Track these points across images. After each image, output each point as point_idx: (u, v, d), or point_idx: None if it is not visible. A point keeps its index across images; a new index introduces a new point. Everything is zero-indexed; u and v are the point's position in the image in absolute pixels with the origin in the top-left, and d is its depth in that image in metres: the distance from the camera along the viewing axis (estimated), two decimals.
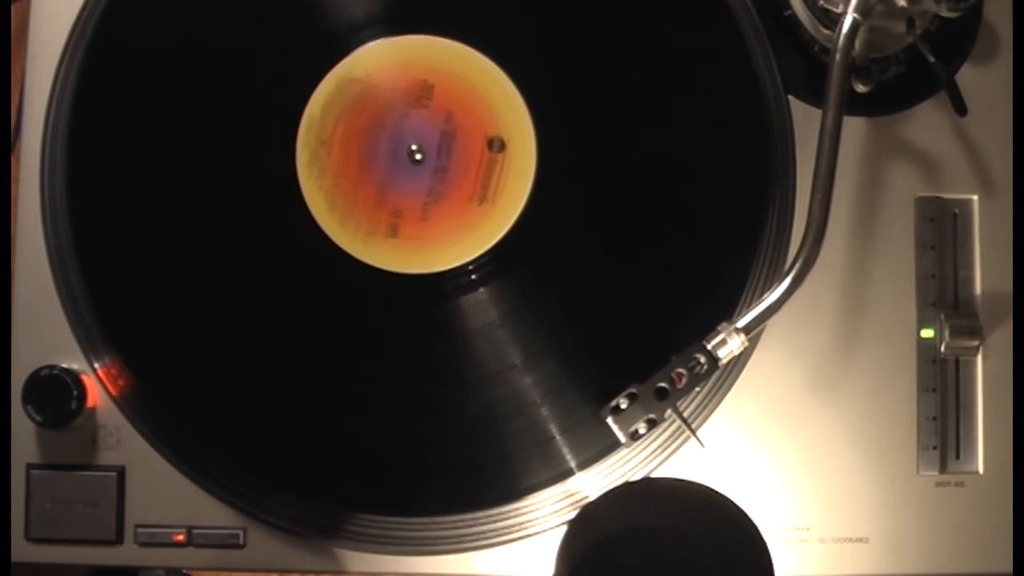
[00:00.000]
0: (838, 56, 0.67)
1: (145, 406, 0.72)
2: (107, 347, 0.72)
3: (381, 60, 0.72)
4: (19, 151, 0.74)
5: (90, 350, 0.72)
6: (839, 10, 0.69)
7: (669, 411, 0.68)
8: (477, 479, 0.71)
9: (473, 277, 0.71)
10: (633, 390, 0.68)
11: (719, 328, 0.68)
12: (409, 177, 0.71)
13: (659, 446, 0.72)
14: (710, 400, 0.72)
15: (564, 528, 0.68)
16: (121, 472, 0.72)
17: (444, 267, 0.71)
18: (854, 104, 0.71)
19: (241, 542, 0.72)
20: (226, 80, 0.72)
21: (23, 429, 0.72)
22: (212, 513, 0.72)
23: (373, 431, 0.71)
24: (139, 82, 0.72)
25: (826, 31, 0.72)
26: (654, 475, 0.72)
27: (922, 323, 0.73)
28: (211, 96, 0.72)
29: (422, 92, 0.72)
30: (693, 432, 0.70)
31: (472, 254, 0.71)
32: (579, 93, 0.72)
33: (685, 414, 0.70)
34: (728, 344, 0.67)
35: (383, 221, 0.71)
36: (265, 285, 0.71)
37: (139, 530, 0.72)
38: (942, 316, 0.73)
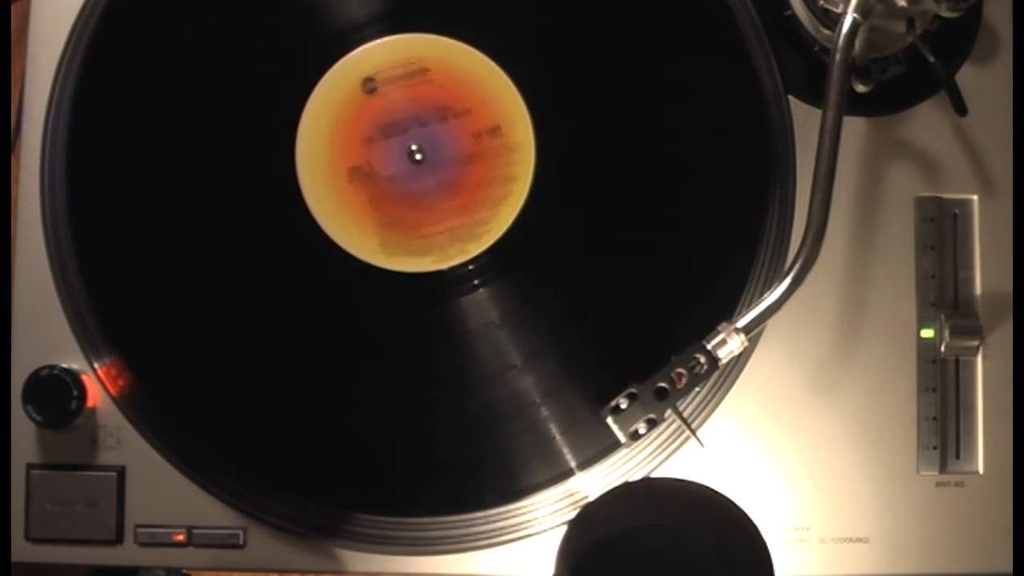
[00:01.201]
0: (838, 56, 0.67)
1: (145, 406, 0.72)
2: (107, 347, 0.72)
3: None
4: (19, 151, 0.74)
5: (90, 350, 0.72)
6: (839, 10, 0.69)
7: (669, 411, 0.68)
8: (477, 479, 0.71)
9: (473, 277, 0.71)
10: (633, 390, 0.68)
11: (719, 328, 0.68)
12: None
13: (659, 446, 0.72)
14: (710, 400, 0.72)
15: (564, 528, 0.68)
16: (121, 472, 0.72)
17: (444, 267, 0.71)
18: (854, 104, 0.71)
19: (241, 542, 0.72)
20: (226, 80, 0.72)
21: (23, 429, 0.72)
22: (212, 513, 0.72)
23: (373, 431, 0.71)
24: (139, 82, 0.72)
25: (826, 31, 0.72)
26: (654, 475, 0.72)
27: (922, 323, 0.73)
28: (211, 96, 0.72)
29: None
30: (693, 432, 0.70)
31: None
32: (579, 93, 0.72)
33: (685, 414, 0.70)
34: (728, 344, 0.67)
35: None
36: (265, 285, 0.71)
37: (139, 530, 0.72)
38: (942, 316, 0.73)
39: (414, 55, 0.72)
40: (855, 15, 0.67)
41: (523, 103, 0.72)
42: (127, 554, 0.72)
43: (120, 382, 0.72)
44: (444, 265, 0.71)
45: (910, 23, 0.71)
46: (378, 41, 0.72)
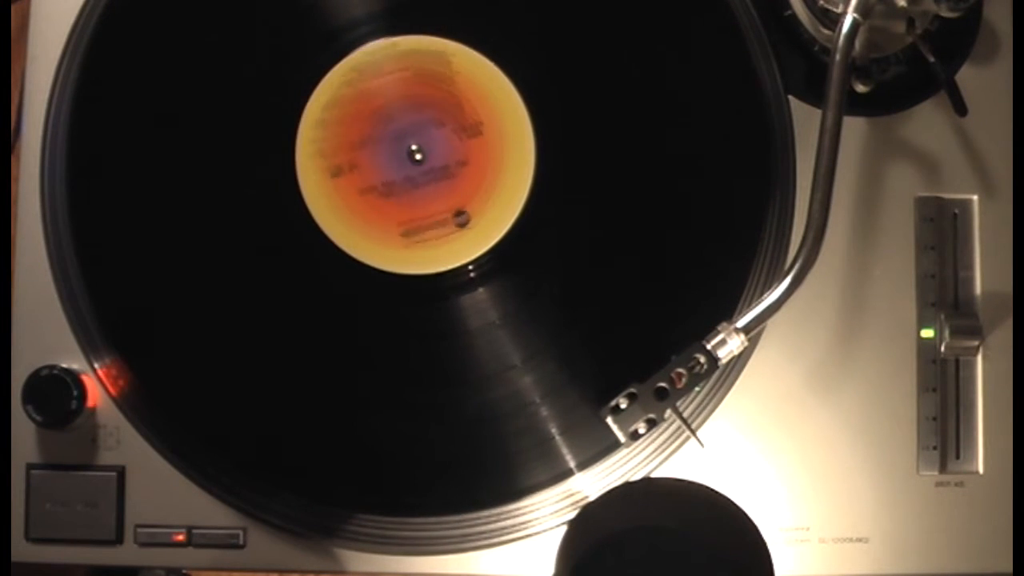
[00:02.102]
0: (838, 56, 0.67)
1: (145, 406, 0.72)
2: (107, 347, 0.72)
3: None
4: (19, 151, 0.74)
5: (90, 350, 0.72)
6: (839, 10, 0.69)
7: (669, 411, 0.68)
8: (477, 479, 0.71)
9: (473, 277, 0.71)
10: (633, 390, 0.68)
11: (719, 328, 0.68)
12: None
13: (659, 446, 0.72)
14: (710, 400, 0.72)
15: (564, 528, 0.67)
16: (121, 472, 0.72)
17: (444, 267, 0.71)
18: (854, 104, 0.72)
19: (241, 542, 0.72)
20: (226, 80, 0.72)
21: (23, 429, 0.72)
22: (212, 513, 0.72)
23: (373, 431, 0.71)
24: (139, 82, 0.72)
25: (826, 31, 0.72)
26: (654, 475, 0.72)
27: (922, 323, 0.73)
28: (211, 96, 0.72)
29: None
30: (693, 432, 0.70)
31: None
32: (579, 93, 0.72)
33: (685, 414, 0.70)
34: (728, 344, 0.67)
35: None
36: (265, 285, 0.71)
37: (139, 530, 0.72)
38: (942, 316, 0.73)
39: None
40: (855, 15, 0.67)
41: (523, 103, 0.72)
42: (127, 554, 0.72)
43: (120, 382, 0.72)
44: (444, 266, 0.71)
45: (910, 23, 0.71)
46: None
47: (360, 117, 0.72)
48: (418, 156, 0.71)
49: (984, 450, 0.73)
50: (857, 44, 0.68)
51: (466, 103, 0.72)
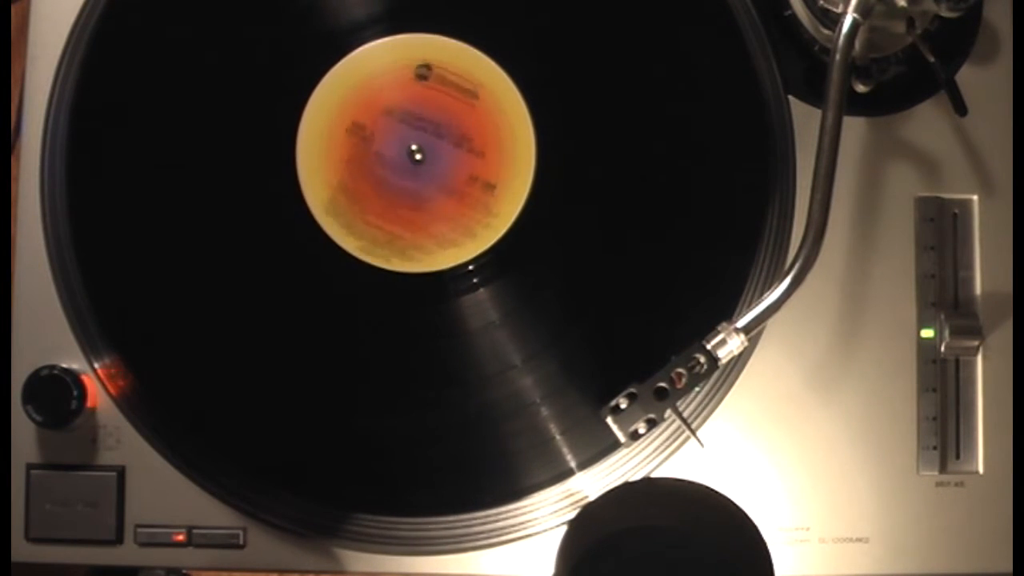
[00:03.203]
0: (838, 56, 0.67)
1: (145, 406, 0.72)
2: (107, 347, 0.72)
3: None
4: (19, 151, 0.74)
5: (90, 350, 0.72)
6: (839, 10, 0.69)
7: (669, 411, 0.68)
8: (477, 479, 0.71)
9: (473, 277, 0.71)
10: (633, 390, 0.68)
11: (719, 328, 0.68)
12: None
13: (659, 446, 0.72)
14: (710, 400, 0.72)
15: (564, 528, 0.67)
16: (121, 472, 0.72)
17: (444, 267, 0.71)
18: (854, 104, 0.71)
19: (241, 542, 0.72)
20: (226, 80, 0.72)
21: (23, 429, 0.72)
22: (212, 513, 0.72)
23: (373, 431, 0.71)
24: (139, 82, 0.72)
25: (826, 31, 0.72)
26: (654, 475, 0.72)
27: (922, 323, 0.73)
28: (211, 96, 0.72)
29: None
30: (693, 432, 0.70)
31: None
32: (579, 93, 0.72)
33: (685, 414, 0.70)
34: (728, 344, 0.67)
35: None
36: (265, 285, 0.71)
37: (139, 530, 0.72)
38: (942, 316, 0.73)
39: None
40: (855, 15, 0.67)
41: (524, 103, 0.72)
42: (127, 554, 0.72)
43: (120, 382, 0.72)
44: (444, 265, 0.71)
45: (910, 23, 0.71)
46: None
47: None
48: (418, 156, 0.71)
49: (984, 450, 0.73)
50: (857, 44, 0.68)
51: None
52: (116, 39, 0.72)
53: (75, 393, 0.71)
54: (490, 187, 0.71)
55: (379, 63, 0.72)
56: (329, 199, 0.71)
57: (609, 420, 0.68)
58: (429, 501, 0.71)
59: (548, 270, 0.72)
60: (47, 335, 0.72)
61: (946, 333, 0.72)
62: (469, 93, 0.72)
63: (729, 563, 0.62)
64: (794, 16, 0.73)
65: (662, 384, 0.68)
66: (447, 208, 0.71)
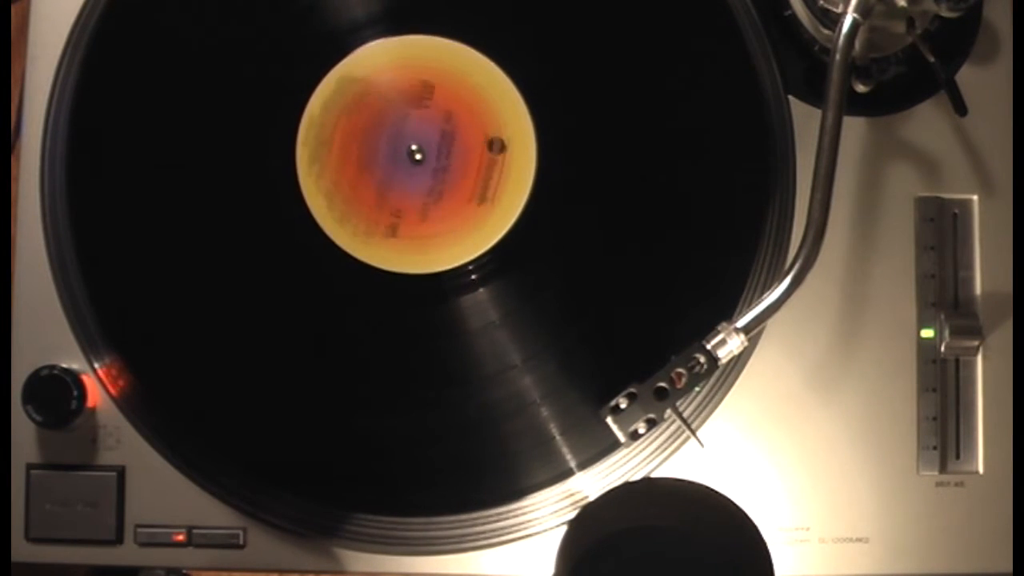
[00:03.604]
0: (838, 56, 0.67)
1: (145, 406, 0.72)
2: (107, 347, 0.72)
3: (382, 60, 0.72)
4: (19, 151, 0.74)
5: (90, 350, 0.72)
6: (839, 10, 0.69)
7: (669, 411, 0.68)
8: (477, 479, 0.71)
9: (473, 277, 0.71)
10: (633, 390, 0.68)
11: (719, 328, 0.68)
12: (409, 177, 0.71)
13: (659, 446, 0.72)
14: (710, 400, 0.72)
15: (564, 528, 0.67)
16: (121, 472, 0.72)
17: (444, 267, 0.71)
18: (854, 104, 0.71)
19: (241, 542, 0.72)
20: (226, 80, 0.72)
21: (23, 429, 0.72)
22: (212, 513, 0.72)
23: (373, 431, 0.71)
24: (139, 82, 0.72)
25: (826, 31, 0.72)
26: (654, 475, 0.72)
27: (922, 323, 0.73)
28: (211, 96, 0.72)
29: (422, 92, 0.72)
30: (693, 432, 0.70)
31: (472, 254, 0.71)
32: (579, 93, 0.72)
33: (685, 414, 0.70)
34: (728, 344, 0.67)
35: (382, 221, 0.71)
36: (265, 285, 0.71)
37: (139, 530, 0.72)
38: (942, 316, 0.73)
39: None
40: (855, 15, 0.67)
41: (523, 103, 0.72)
42: (127, 554, 0.72)
43: (120, 382, 0.72)
44: (444, 265, 0.71)
45: (910, 23, 0.71)
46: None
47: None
48: (418, 156, 0.71)
49: (984, 450, 0.73)
50: (857, 44, 0.68)
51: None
52: (116, 39, 0.72)
53: (75, 393, 0.71)
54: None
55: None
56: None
57: (609, 420, 0.68)
58: (429, 501, 0.71)
59: (548, 270, 0.72)
60: (47, 335, 0.72)
61: (946, 333, 0.72)
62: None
63: (729, 563, 0.62)
64: (794, 16, 0.73)
65: (662, 384, 0.68)
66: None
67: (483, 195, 0.71)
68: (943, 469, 0.72)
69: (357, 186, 0.71)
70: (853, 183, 0.73)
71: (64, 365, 0.72)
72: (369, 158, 0.72)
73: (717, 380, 0.71)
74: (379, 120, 0.72)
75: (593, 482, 0.71)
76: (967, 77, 0.73)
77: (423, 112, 0.72)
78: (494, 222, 0.71)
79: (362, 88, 0.72)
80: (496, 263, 0.71)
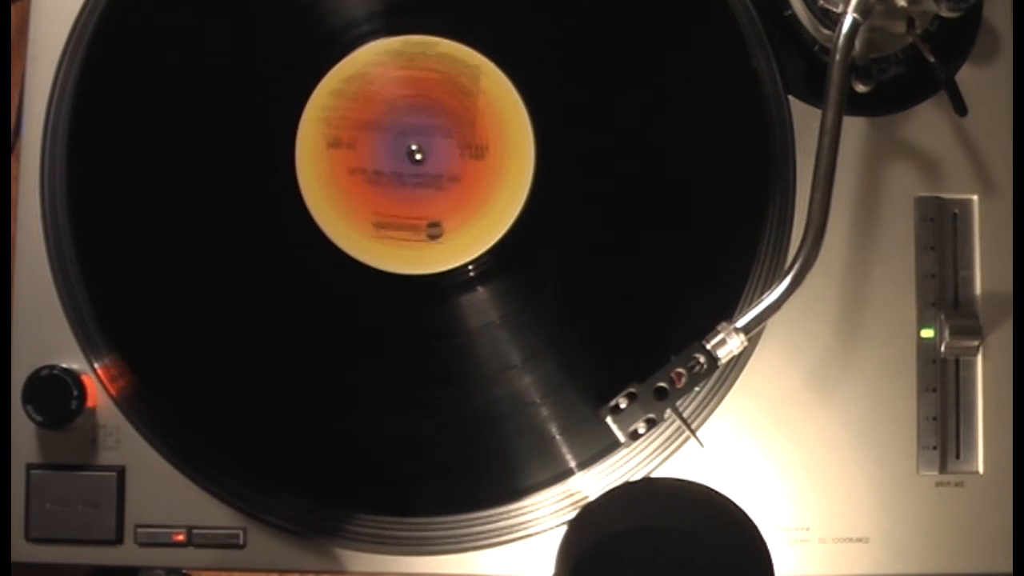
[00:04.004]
0: (838, 56, 0.67)
1: (145, 406, 0.72)
2: (107, 347, 0.72)
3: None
4: (19, 151, 0.74)
5: (90, 350, 0.72)
6: (839, 10, 0.69)
7: (669, 411, 0.68)
8: (477, 479, 0.71)
9: (473, 277, 0.71)
10: (633, 390, 0.68)
11: (719, 328, 0.68)
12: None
13: (659, 446, 0.72)
14: (710, 400, 0.72)
15: (564, 528, 0.67)
16: (121, 472, 0.72)
17: (444, 267, 0.71)
18: (854, 104, 0.71)
19: (241, 542, 0.72)
20: (226, 80, 0.72)
21: (23, 429, 0.72)
22: (212, 513, 0.72)
23: (373, 431, 0.71)
24: (139, 82, 0.72)
25: (826, 31, 0.72)
26: (654, 475, 0.72)
27: (922, 323, 0.73)
28: (211, 97, 0.72)
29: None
30: (693, 432, 0.70)
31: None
32: (579, 93, 0.72)
33: (685, 414, 0.70)
34: (728, 344, 0.67)
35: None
36: (265, 285, 0.71)
37: (139, 530, 0.72)
38: (942, 316, 0.73)
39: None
40: (855, 15, 0.67)
41: (523, 104, 0.72)
42: (127, 554, 0.72)
43: (120, 382, 0.72)
44: (444, 266, 0.71)
45: (910, 23, 0.71)
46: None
47: (361, 116, 0.72)
48: (418, 156, 0.71)
49: (984, 450, 0.73)
50: (857, 44, 0.68)
51: (468, 105, 0.71)
52: (116, 39, 0.72)
53: (75, 393, 0.71)
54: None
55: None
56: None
57: (609, 420, 0.68)
58: (429, 501, 0.71)
59: (548, 270, 0.72)
60: (47, 335, 0.72)
61: (946, 333, 0.72)
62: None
63: (729, 563, 0.62)
64: (794, 16, 0.73)
65: (662, 384, 0.68)
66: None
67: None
68: (943, 469, 0.72)
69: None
70: (853, 183, 0.73)
71: (64, 365, 0.72)
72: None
73: (717, 380, 0.71)
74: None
75: (593, 482, 0.71)
76: (967, 77, 0.74)
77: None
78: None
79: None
80: (496, 263, 0.71)
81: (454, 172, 0.71)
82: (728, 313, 0.69)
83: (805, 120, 0.73)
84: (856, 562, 0.72)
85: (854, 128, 0.73)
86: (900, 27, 0.71)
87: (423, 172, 0.71)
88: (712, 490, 0.66)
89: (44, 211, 0.73)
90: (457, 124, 0.72)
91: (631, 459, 0.71)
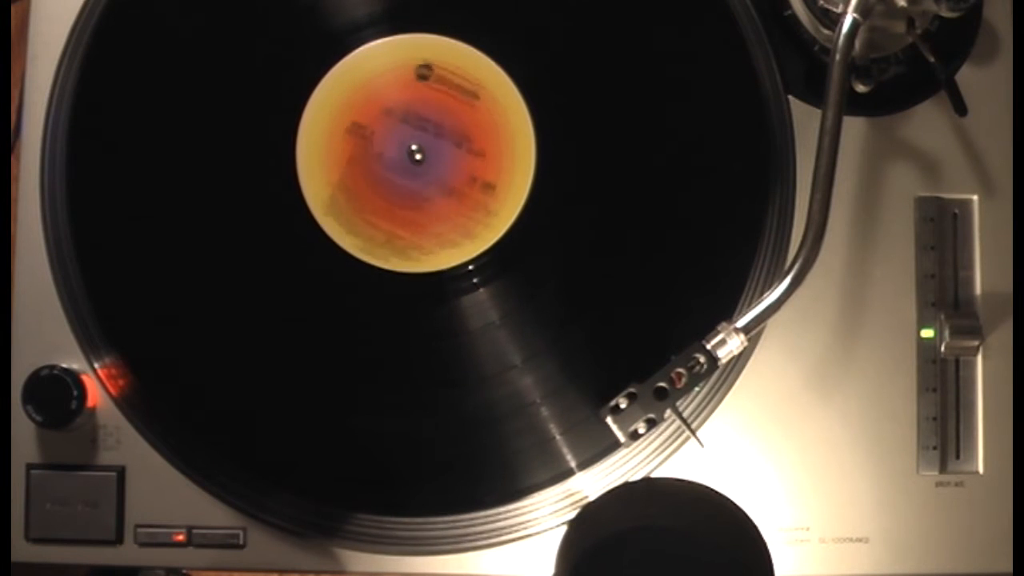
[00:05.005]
0: (838, 56, 0.67)
1: (145, 406, 0.72)
2: (107, 347, 0.72)
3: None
4: (19, 151, 0.74)
5: (90, 350, 0.72)
6: (839, 10, 0.69)
7: (669, 411, 0.68)
8: (477, 479, 0.71)
9: (473, 277, 0.71)
10: (633, 390, 0.68)
11: (719, 328, 0.68)
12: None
13: (659, 446, 0.72)
14: (710, 400, 0.72)
15: (564, 528, 0.67)
16: (121, 472, 0.72)
17: (444, 267, 0.71)
18: (854, 104, 0.71)
19: (241, 542, 0.72)
20: (226, 80, 0.72)
21: (23, 429, 0.72)
22: (212, 513, 0.72)
23: (373, 431, 0.71)
24: (139, 82, 0.72)
25: (826, 31, 0.72)
26: (654, 475, 0.72)
27: (922, 323, 0.73)
28: (211, 97, 0.72)
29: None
30: (693, 432, 0.70)
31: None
32: (579, 93, 0.72)
33: (685, 414, 0.70)
34: (728, 344, 0.67)
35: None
36: (265, 285, 0.71)
37: (139, 530, 0.72)
38: (942, 316, 0.73)
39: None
40: (855, 15, 0.67)
41: (523, 103, 0.72)
42: (127, 554, 0.72)
43: (120, 382, 0.72)
44: (444, 265, 0.71)
45: (910, 23, 0.71)
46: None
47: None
48: (418, 156, 0.71)
49: (984, 450, 0.73)
50: (857, 44, 0.68)
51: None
52: (116, 39, 0.72)
53: (75, 393, 0.71)
54: (490, 187, 0.71)
55: (379, 63, 0.72)
56: (329, 199, 0.71)
57: (609, 420, 0.68)
58: (429, 501, 0.71)
59: (548, 270, 0.72)
60: (47, 335, 0.72)
61: (946, 333, 0.72)
62: (469, 93, 0.72)
63: (729, 563, 0.62)
64: (794, 16, 0.73)
65: (662, 384, 0.68)
66: (447, 208, 0.71)
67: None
68: (943, 469, 0.72)
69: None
70: (853, 183, 0.73)
71: (64, 365, 0.72)
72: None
73: (717, 380, 0.71)
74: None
75: (593, 482, 0.71)
76: (967, 77, 0.74)
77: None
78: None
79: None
80: (496, 263, 0.71)
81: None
82: (728, 313, 0.69)
83: (805, 120, 0.73)
84: (856, 562, 0.72)
85: (854, 128, 0.73)
86: (900, 27, 0.71)
87: (423, 172, 0.71)
88: (712, 490, 0.66)
89: (44, 211, 0.73)
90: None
91: (631, 459, 0.71)
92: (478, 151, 0.72)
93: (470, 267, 0.71)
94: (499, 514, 0.71)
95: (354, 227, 0.71)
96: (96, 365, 0.72)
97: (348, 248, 0.71)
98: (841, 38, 0.67)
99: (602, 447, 0.71)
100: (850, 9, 0.67)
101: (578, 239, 0.72)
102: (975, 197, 0.74)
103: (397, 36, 0.72)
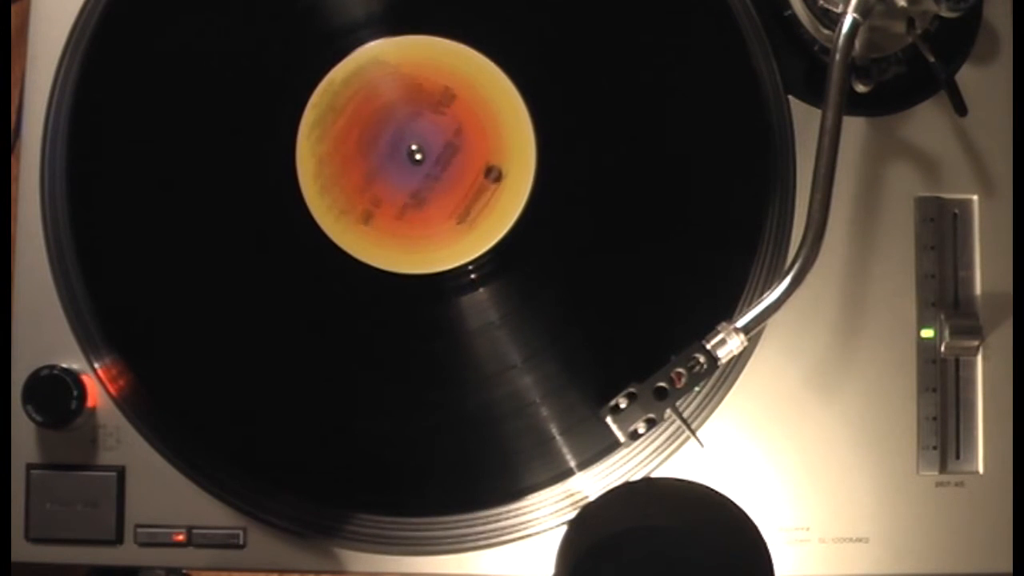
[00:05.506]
0: (838, 56, 0.67)
1: (145, 406, 0.72)
2: (107, 347, 0.72)
3: (382, 59, 0.72)
4: (19, 151, 0.74)
5: (90, 350, 0.72)
6: (839, 10, 0.69)
7: (669, 411, 0.68)
8: (477, 479, 0.71)
9: (473, 277, 0.71)
10: (633, 390, 0.68)
11: (719, 328, 0.68)
12: (401, 173, 0.71)
13: (659, 446, 0.72)
14: (710, 400, 0.72)
15: (564, 528, 0.67)
16: (121, 472, 0.72)
17: (444, 267, 0.71)
18: (854, 104, 0.71)
19: (241, 542, 0.72)
20: (226, 80, 0.72)
21: (23, 429, 0.72)
22: (212, 513, 0.72)
23: (373, 431, 0.71)
24: (139, 82, 0.72)
25: (826, 31, 0.72)
26: (654, 475, 0.72)
27: (922, 323, 0.73)
28: (211, 97, 0.72)
29: (442, 98, 0.72)
30: (693, 432, 0.70)
31: (472, 254, 0.71)
32: (579, 93, 0.72)
33: (685, 414, 0.70)
34: (728, 344, 0.67)
35: (359, 205, 0.71)
36: (265, 285, 0.71)
37: (139, 530, 0.72)
38: (942, 316, 0.73)
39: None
40: (855, 15, 0.67)
41: (523, 104, 0.72)
42: (127, 554, 0.72)
43: (120, 382, 0.72)
44: (444, 265, 0.71)
45: (910, 23, 0.71)
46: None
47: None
48: (418, 156, 0.71)
49: (984, 450, 0.73)
50: (857, 44, 0.68)
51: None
52: (116, 39, 0.72)
53: (75, 393, 0.71)
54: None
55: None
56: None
57: (609, 420, 0.68)
58: (429, 501, 0.71)
59: (548, 270, 0.72)
60: (47, 335, 0.72)
61: (946, 333, 0.72)
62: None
63: (729, 563, 0.62)
64: (794, 16, 0.73)
65: (662, 384, 0.68)
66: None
67: (464, 216, 0.71)
68: (943, 469, 0.72)
69: (357, 186, 0.71)
70: (853, 183, 0.73)
71: (64, 365, 0.72)
72: (369, 158, 0.71)
73: (717, 380, 0.71)
74: (393, 110, 0.71)
75: (593, 482, 0.71)
76: (967, 77, 0.74)
77: (437, 117, 0.71)
78: (494, 222, 0.71)
79: (362, 88, 0.72)
80: (496, 263, 0.71)
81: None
82: (728, 313, 0.69)
83: (805, 120, 0.73)
84: (856, 562, 0.72)
85: (854, 128, 0.73)
86: (900, 27, 0.71)
87: (423, 171, 0.71)
88: (712, 490, 0.66)
89: (44, 211, 0.73)
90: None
91: (631, 459, 0.71)
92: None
93: (470, 267, 0.71)
94: (499, 514, 0.71)
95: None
96: (96, 365, 0.72)
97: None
98: (841, 38, 0.67)
99: (602, 447, 0.71)
100: (850, 9, 0.67)
101: (578, 239, 0.72)
102: (975, 197, 0.74)
103: (397, 36, 0.72)
